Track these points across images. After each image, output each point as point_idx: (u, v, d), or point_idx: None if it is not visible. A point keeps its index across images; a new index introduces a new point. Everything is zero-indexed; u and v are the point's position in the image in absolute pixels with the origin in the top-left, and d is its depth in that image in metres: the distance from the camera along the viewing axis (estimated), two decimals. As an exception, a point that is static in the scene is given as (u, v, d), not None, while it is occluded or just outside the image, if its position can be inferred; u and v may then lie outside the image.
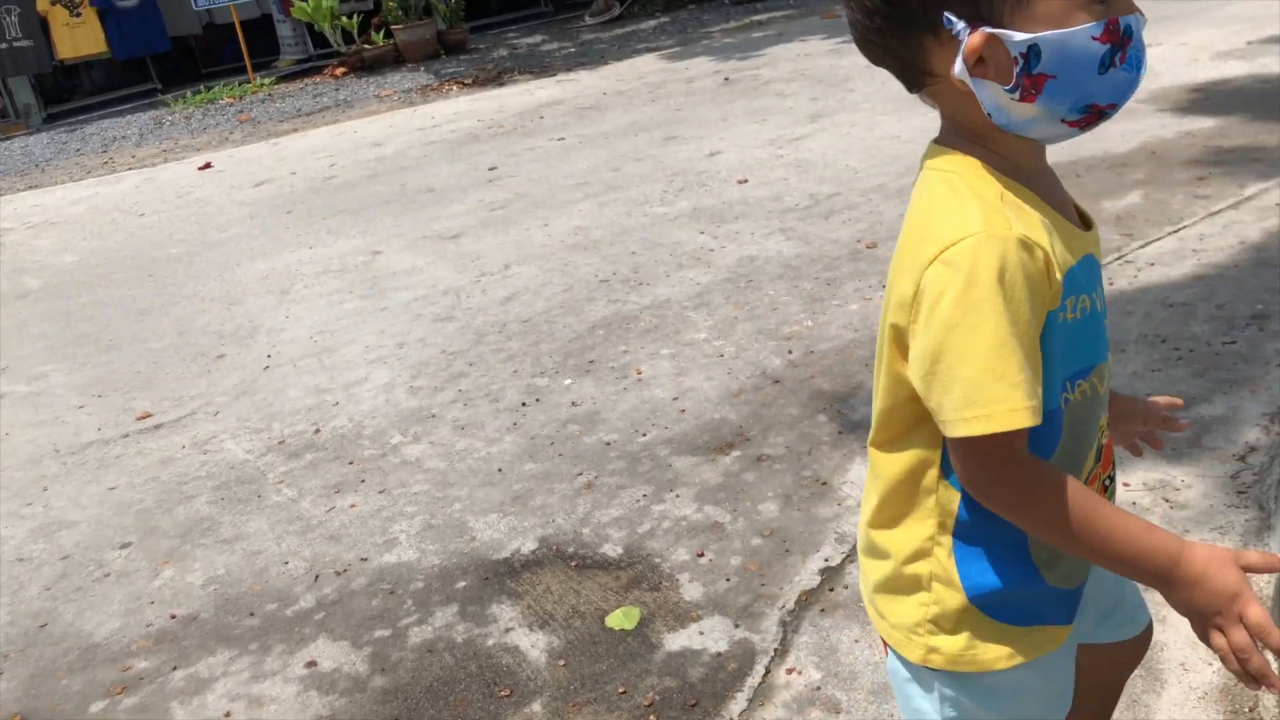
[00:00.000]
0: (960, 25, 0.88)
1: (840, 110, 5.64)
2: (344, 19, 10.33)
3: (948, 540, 1.00)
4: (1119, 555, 0.91)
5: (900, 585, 1.03)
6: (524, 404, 2.93)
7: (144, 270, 4.89)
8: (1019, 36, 0.86)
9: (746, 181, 4.62)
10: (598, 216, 4.51)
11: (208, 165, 7.23)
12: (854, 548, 2.09)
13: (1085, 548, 0.92)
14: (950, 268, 0.86)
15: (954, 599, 0.99)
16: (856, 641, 1.83)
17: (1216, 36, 5.73)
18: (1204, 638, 0.89)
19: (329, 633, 2.11)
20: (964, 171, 0.92)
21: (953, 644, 1.00)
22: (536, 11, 13.40)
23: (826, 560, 2.07)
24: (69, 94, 11.85)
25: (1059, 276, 0.90)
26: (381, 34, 10.54)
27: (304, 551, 2.40)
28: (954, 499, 0.98)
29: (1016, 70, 0.87)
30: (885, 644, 1.09)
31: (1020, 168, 0.93)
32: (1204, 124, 4.24)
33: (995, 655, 1.00)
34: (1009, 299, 0.86)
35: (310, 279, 4.34)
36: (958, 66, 0.89)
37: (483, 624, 2.05)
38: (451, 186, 5.47)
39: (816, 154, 4.87)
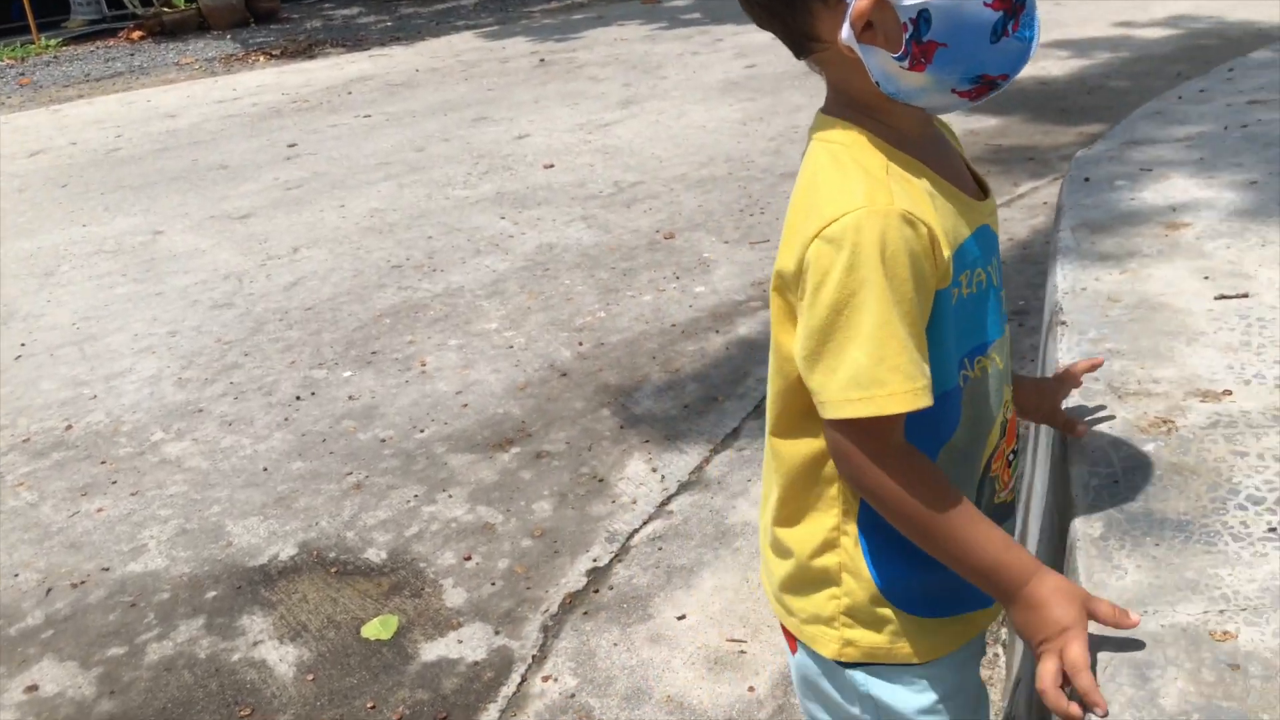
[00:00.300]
0: None
1: (651, 97, 5.63)
2: (141, -21, 9.69)
3: (853, 529, 0.96)
4: (974, 564, 0.88)
5: (808, 580, 0.99)
6: (298, 398, 2.78)
7: (-111, 247, 4.43)
8: (908, 1, 0.81)
9: (553, 166, 4.55)
10: (397, 198, 4.35)
11: (-23, 132, 6.63)
12: (622, 546, 2.07)
13: (942, 549, 0.89)
14: (833, 245, 0.83)
15: (865, 591, 0.96)
16: (615, 645, 1.80)
17: (1007, 39, 6.03)
18: (1040, 643, 0.88)
19: (56, 652, 1.93)
20: (849, 143, 0.87)
21: (868, 637, 0.97)
22: (355, -19, 12.89)
23: (595, 561, 2.03)
24: None
25: (947, 254, 0.86)
26: (183, -2, 9.94)
27: (38, 562, 2.19)
28: None
29: (906, 37, 0.82)
30: (792, 641, 1.04)
31: (909, 138, 0.89)
32: (987, 123, 4.42)
33: (913, 648, 0.97)
34: (892, 277, 0.82)
35: (80, 260, 4.02)
36: (844, 32, 0.83)
37: (230, 637, 1.92)
38: (247, 163, 5.18)
39: (624, 141, 4.84)
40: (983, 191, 0.95)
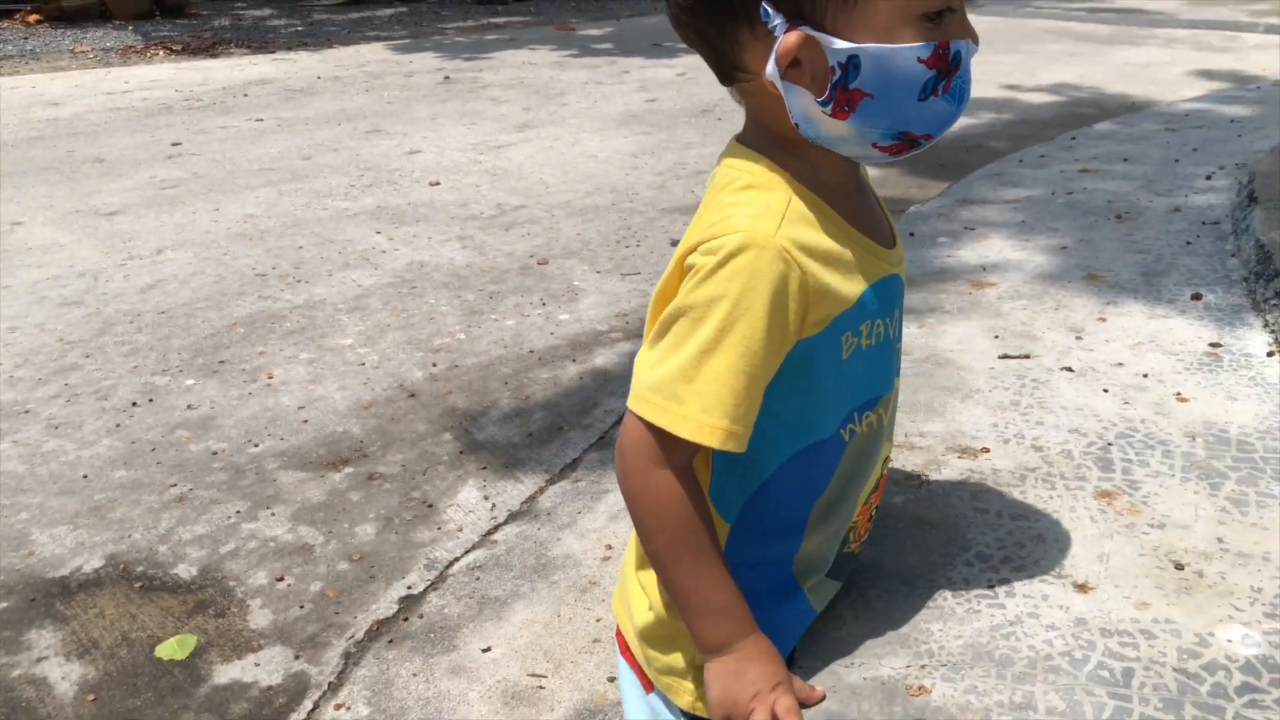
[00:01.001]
0: (778, 20, 0.79)
1: (549, 123, 5.64)
2: (41, -38, 9.39)
3: None
4: (700, 601, 0.86)
5: (666, 636, 0.95)
6: (135, 404, 2.69)
7: None
8: (839, 44, 0.78)
9: (438, 184, 4.52)
10: (274, 205, 4.27)
11: None
12: (440, 575, 2.04)
13: (674, 578, 0.86)
14: (706, 258, 0.81)
15: None
16: (415, 675, 1.77)
17: (900, 92, 6.20)
18: (722, 709, 0.86)
19: None
20: (756, 174, 0.85)
21: None
22: (271, -17, 12.70)
23: (410, 588, 2.00)
24: None
25: (826, 311, 0.83)
26: (86, -16, 9.65)
27: None
28: (723, 532, 0.91)
29: (832, 81, 0.79)
30: (646, 681, 1.01)
31: (822, 179, 0.86)
32: (869, 172, 4.53)
33: None
34: (745, 310, 0.79)
35: (-73, 247, 3.85)
36: (770, 66, 0.80)
37: (13, 651, 1.84)
38: (125, 159, 5.03)
39: (515, 164, 4.83)
40: (892, 240, 0.94)
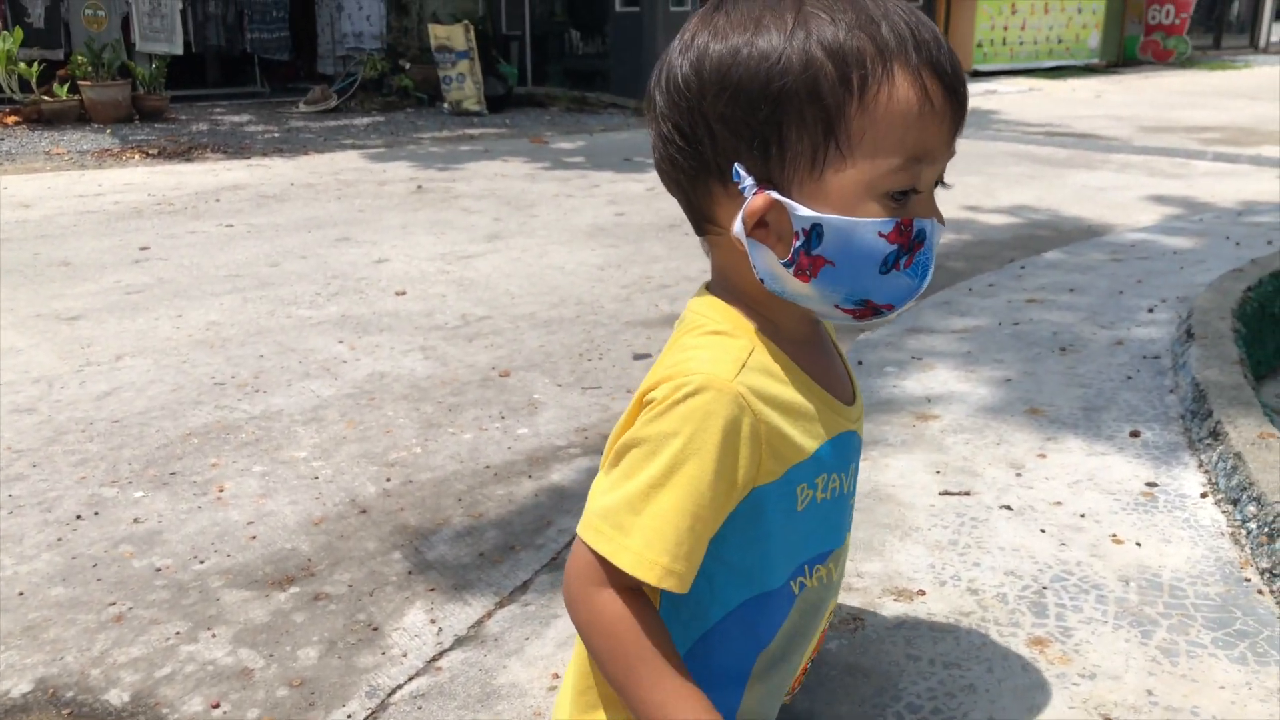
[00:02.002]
0: (748, 182, 0.82)
1: (518, 234, 5.72)
2: (23, 65, 9.53)
3: None
4: (666, 718, 0.83)
5: None
6: (79, 516, 2.65)
7: None
8: (803, 211, 0.80)
9: (405, 294, 4.55)
10: (238, 313, 4.27)
11: None
12: (381, 703, 1.99)
13: (639, 701, 0.83)
14: (665, 394, 0.81)
15: None
16: (347, 812, 1.71)
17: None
18: None
19: None
20: (721, 321, 0.86)
21: None
22: (252, 90, 12.97)
23: (349, 717, 1.95)
24: None
25: (782, 461, 0.83)
26: (66, 87, 9.80)
27: None
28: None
29: (796, 245, 0.81)
30: None
31: (785, 333, 0.87)
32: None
33: None
34: (696, 450, 0.79)
35: (-118, 349, 3.81)
36: (737, 224, 0.82)
37: (-72, 784, 1.76)
38: (91, 263, 5.04)
39: (482, 274, 4.88)
40: (853, 396, 0.95)
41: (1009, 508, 1.18)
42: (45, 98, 9.67)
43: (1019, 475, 1.37)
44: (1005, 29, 15.39)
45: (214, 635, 2.18)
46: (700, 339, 0.86)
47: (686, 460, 0.80)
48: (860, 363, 1.92)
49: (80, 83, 9.76)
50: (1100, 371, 1.84)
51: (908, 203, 0.84)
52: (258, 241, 5.49)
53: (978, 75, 14.97)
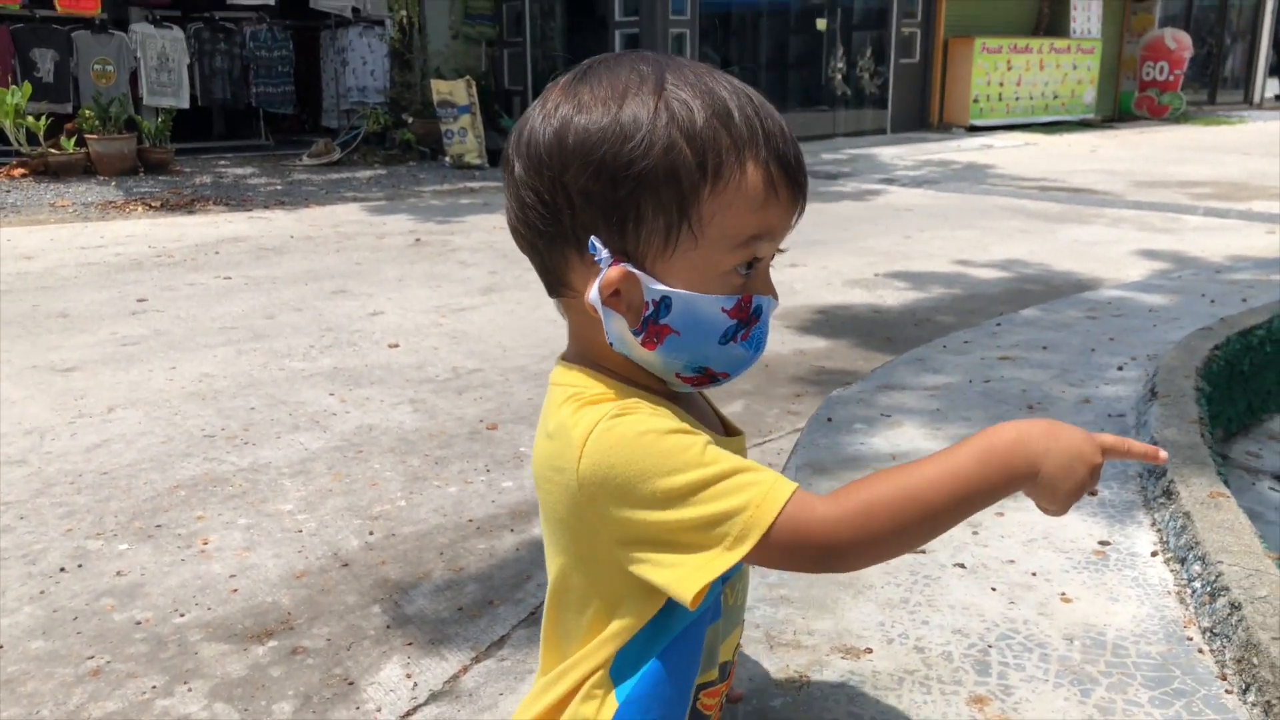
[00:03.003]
0: (605, 254, 0.86)
1: (513, 287, 5.79)
2: (30, 119, 9.69)
3: None
4: (969, 489, 0.81)
5: None
6: (63, 569, 2.67)
7: None
8: (656, 285, 0.85)
9: (397, 346, 4.59)
10: (231, 365, 4.32)
11: None
12: (351, 758, 2.00)
13: (945, 508, 0.81)
14: (567, 467, 0.82)
15: None
16: None
17: (853, 265, 6.40)
18: (1080, 488, 0.82)
19: None
20: (581, 389, 0.90)
21: None
22: (257, 143, 13.15)
23: (320, 771, 1.96)
24: None
25: None
26: (73, 141, 9.96)
27: None
28: (609, 710, 0.89)
29: (645, 315, 0.86)
30: None
31: (641, 386, 0.91)
32: (817, 344, 4.65)
33: None
34: (664, 430, 0.82)
35: (-122, 400, 3.86)
36: (592, 292, 0.87)
37: (-102, 838, 1.77)
38: (89, 315, 5.10)
39: (475, 327, 4.93)
40: (729, 432, 1.00)
41: (963, 565, 1.20)
42: (52, 151, 9.82)
43: (975, 534, 1.39)
44: (1001, 85, 15.60)
45: (190, 689, 2.20)
46: (569, 415, 0.89)
47: (670, 444, 0.82)
48: (830, 419, 1.95)
49: (87, 136, 9.92)
50: None
51: (752, 275, 0.90)
52: (255, 294, 5.56)
53: (974, 130, 15.15)
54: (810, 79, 14.84)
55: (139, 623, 2.44)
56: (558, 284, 0.94)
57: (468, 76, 11.85)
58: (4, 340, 4.64)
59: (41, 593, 2.56)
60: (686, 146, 0.85)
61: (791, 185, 0.90)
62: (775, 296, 0.94)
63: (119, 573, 2.66)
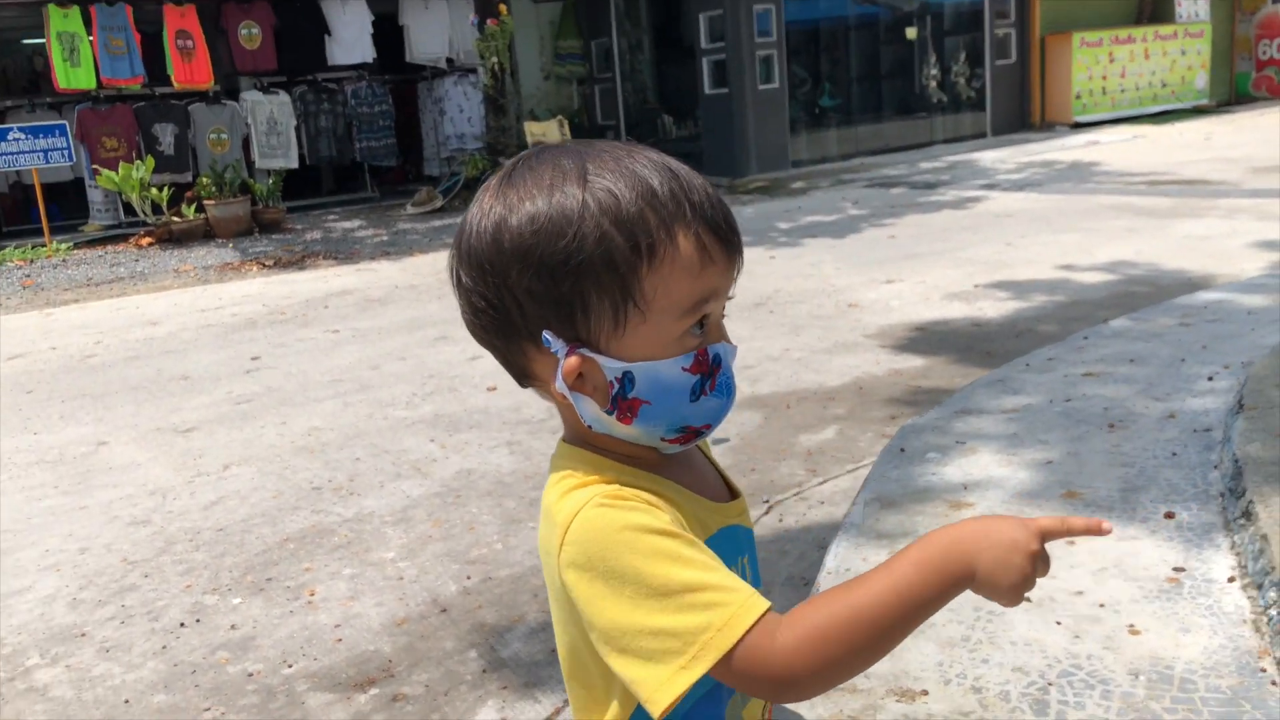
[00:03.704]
0: (559, 345, 0.89)
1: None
2: (154, 190, 10.26)
3: None
4: (910, 598, 0.82)
5: None
6: (182, 624, 2.82)
7: None
8: (613, 364, 0.87)
9: (495, 389, 4.70)
10: (338, 417, 4.49)
11: (-32, 333, 6.92)
12: (446, 803, 2.05)
13: (891, 624, 0.82)
14: (570, 563, 0.84)
15: None
16: None
17: (952, 277, 6.28)
18: (1022, 578, 0.83)
19: None
20: (579, 464, 0.92)
21: None
22: (363, 196, 13.62)
23: (418, 817, 2.02)
24: None
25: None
26: (193, 208, 10.50)
27: (-127, 795, 2.19)
28: None
29: (612, 393, 0.88)
30: None
31: (635, 458, 0.93)
32: (913, 363, 4.57)
33: None
34: (649, 532, 0.83)
35: (18, 470, 4.13)
36: (558, 382, 0.89)
37: None
38: (207, 375, 5.37)
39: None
40: (731, 494, 1.01)
41: (1028, 599, 1.17)
42: (175, 219, 10.38)
43: (1044, 564, 1.37)
44: (1104, 78, 15.10)
45: (297, 739, 2.29)
46: (560, 500, 0.91)
47: (660, 548, 0.83)
48: (903, 450, 1.93)
49: (205, 202, 10.45)
50: (1146, 449, 1.78)
51: (705, 329, 0.91)
52: (361, 345, 5.76)
53: (1079, 127, 14.70)
54: (904, 88, 14.63)
55: (251, 674, 2.56)
56: (523, 376, 0.96)
57: (560, 116, 12.08)
58: (131, 404, 4.92)
59: (164, 648, 2.71)
60: (617, 232, 0.87)
61: (725, 246, 0.92)
62: (732, 343, 0.95)
63: (233, 626, 2.79)
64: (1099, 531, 0.86)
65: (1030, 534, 0.84)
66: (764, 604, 0.83)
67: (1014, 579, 0.84)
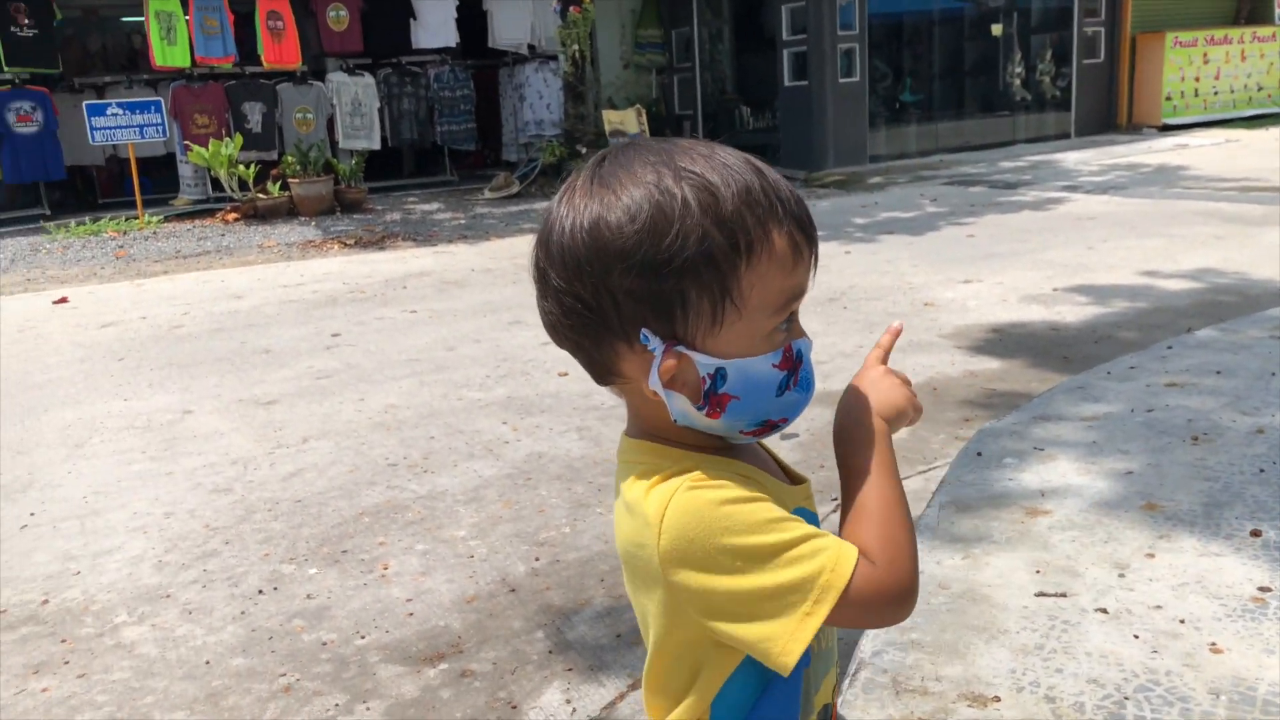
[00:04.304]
0: (656, 343, 0.90)
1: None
2: (241, 167, 10.52)
3: None
4: (897, 473, 0.96)
5: None
6: (260, 591, 2.91)
7: (-53, 407, 4.79)
8: (707, 360, 0.90)
9: (567, 375, 4.75)
10: (414, 396, 4.58)
11: (63, 300, 7.17)
12: (512, 779, 2.10)
13: (904, 497, 0.95)
14: (649, 543, 0.87)
15: None
16: None
17: (1031, 279, 6.17)
18: (901, 394, 0.98)
19: (-43, 834, 2.01)
20: (656, 456, 0.94)
21: None
22: (442, 179, 13.80)
23: (483, 790, 2.06)
24: (-45, 210, 11.78)
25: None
26: (278, 185, 10.74)
27: (-29, 738, 2.31)
28: None
29: (704, 389, 0.90)
30: None
31: (704, 447, 0.95)
32: (989, 365, 4.52)
33: None
34: (742, 501, 0.87)
35: (110, 434, 4.29)
36: (653, 379, 0.91)
37: (119, 835, 1.98)
38: (288, 350, 5.51)
39: (641, 355, 5.04)
40: (793, 481, 1.04)
41: (1105, 611, 1.17)
42: (260, 195, 10.63)
43: (1122, 576, 1.33)
44: (1197, 80, 14.67)
45: (368, 708, 2.36)
46: (653, 490, 0.92)
47: (756, 514, 0.87)
48: (980, 454, 1.92)
49: (290, 180, 10.69)
50: (1232, 463, 1.74)
51: (790, 327, 0.95)
52: (437, 326, 5.86)
53: (1167, 129, 14.30)
54: (987, 85, 14.37)
55: (325, 644, 2.64)
56: (607, 374, 0.98)
57: (637, 105, 12.09)
58: (215, 375, 5.07)
59: (242, 613, 2.80)
60: (718, 231, 0.89)
61: (808, 241, 0.95)
62: (809, 339, 0.99)
63: (309, 595, 2.87)
64: (899, 332, 1.03)
65: (871, 366, 1.00)
66: (853, 544, 0.89)
67: (899, 396, 0.98)
